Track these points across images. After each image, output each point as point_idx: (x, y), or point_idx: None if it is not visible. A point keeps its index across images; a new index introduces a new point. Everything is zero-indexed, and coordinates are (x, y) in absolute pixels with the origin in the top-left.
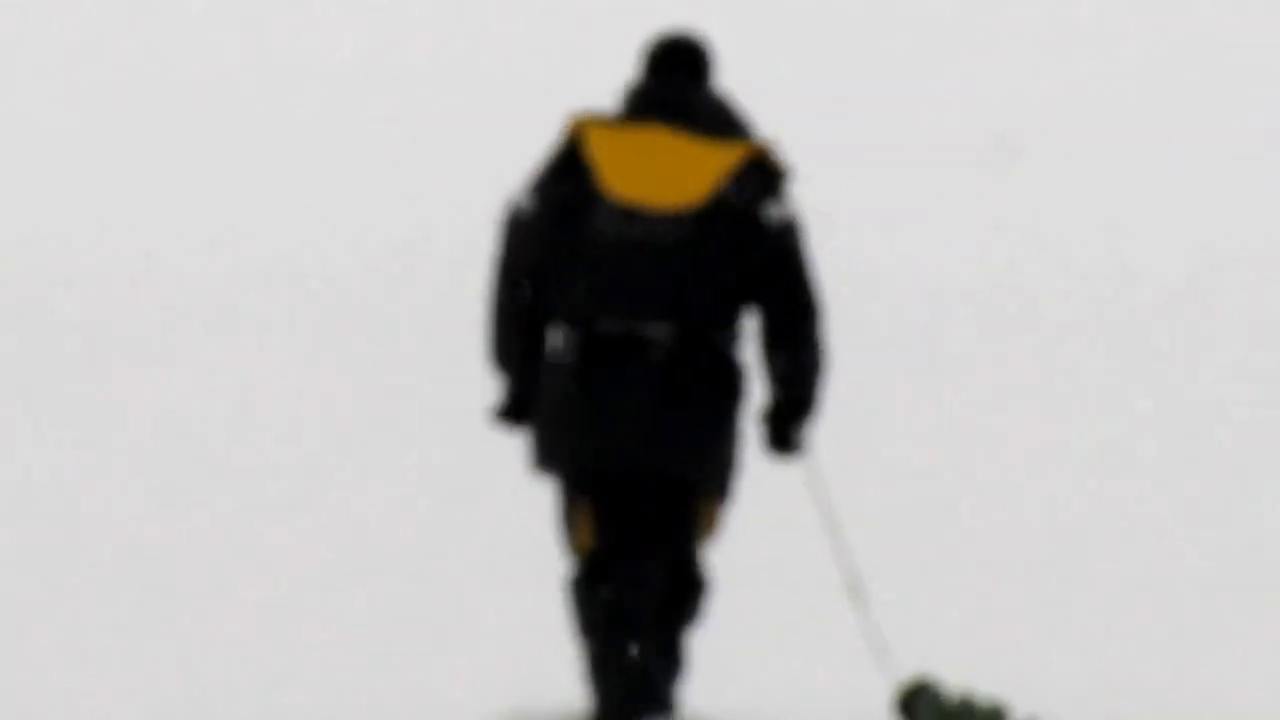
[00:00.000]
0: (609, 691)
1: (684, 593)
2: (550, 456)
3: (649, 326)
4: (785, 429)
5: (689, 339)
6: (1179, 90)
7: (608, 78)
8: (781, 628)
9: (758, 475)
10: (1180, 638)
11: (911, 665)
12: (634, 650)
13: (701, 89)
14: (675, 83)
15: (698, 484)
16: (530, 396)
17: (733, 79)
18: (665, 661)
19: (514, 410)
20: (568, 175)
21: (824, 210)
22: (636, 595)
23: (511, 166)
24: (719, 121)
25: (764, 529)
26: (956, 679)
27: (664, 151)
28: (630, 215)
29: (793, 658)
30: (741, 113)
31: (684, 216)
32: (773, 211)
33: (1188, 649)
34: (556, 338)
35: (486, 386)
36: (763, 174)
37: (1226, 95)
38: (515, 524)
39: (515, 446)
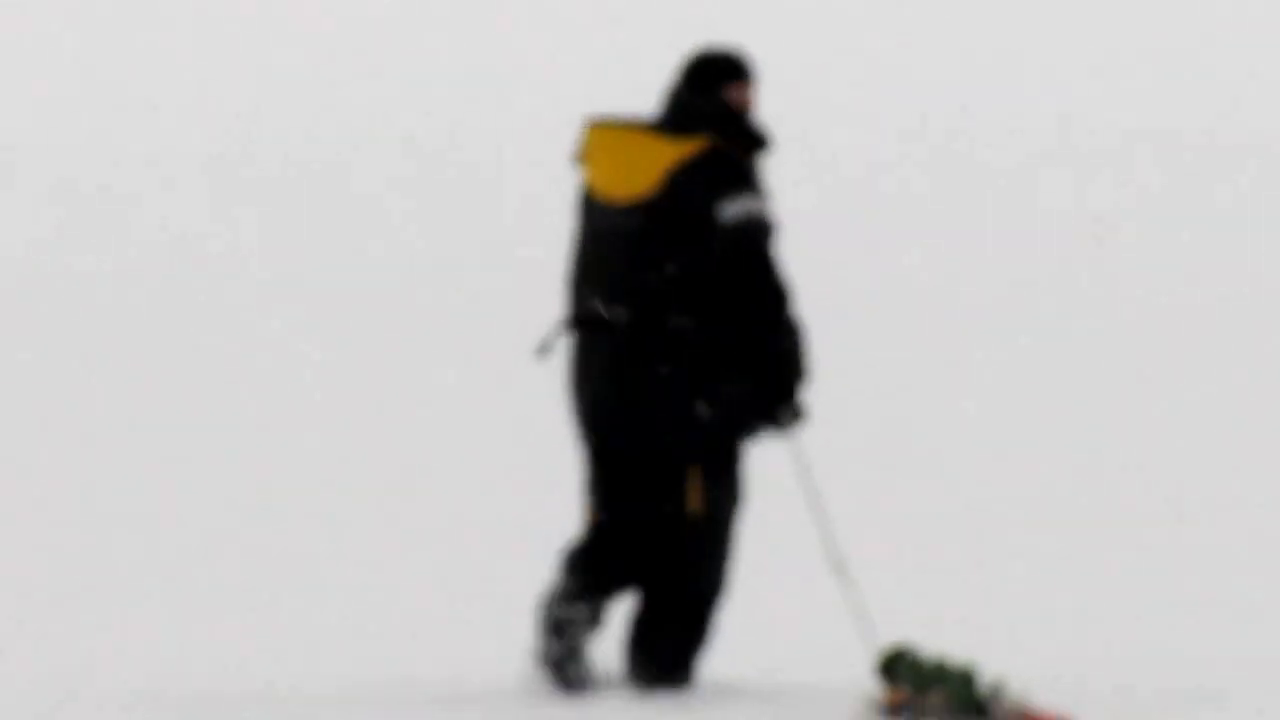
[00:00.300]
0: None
1: (693, 564)
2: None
3: (611, 310)
4: (769, 411)
5: (643, 321)
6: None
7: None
8: (770, 600)
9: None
10: (1146, 611)
11: (892, 634)
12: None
13: (702, 95)
14: (683, 89)
15: (671, 456)
16: None
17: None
18: (686, 632)
19: None
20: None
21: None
22: (613, 565)
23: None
24: (705, 122)
25: (753, 508)
26: (933, 646)
27: (627, 148)
28: (603, 208)
29: (781, 628)
30: (741, 119)
31: (637, 207)
32: (728, 207)
33: (1152, 622)
34: None
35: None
36: (718, 168)
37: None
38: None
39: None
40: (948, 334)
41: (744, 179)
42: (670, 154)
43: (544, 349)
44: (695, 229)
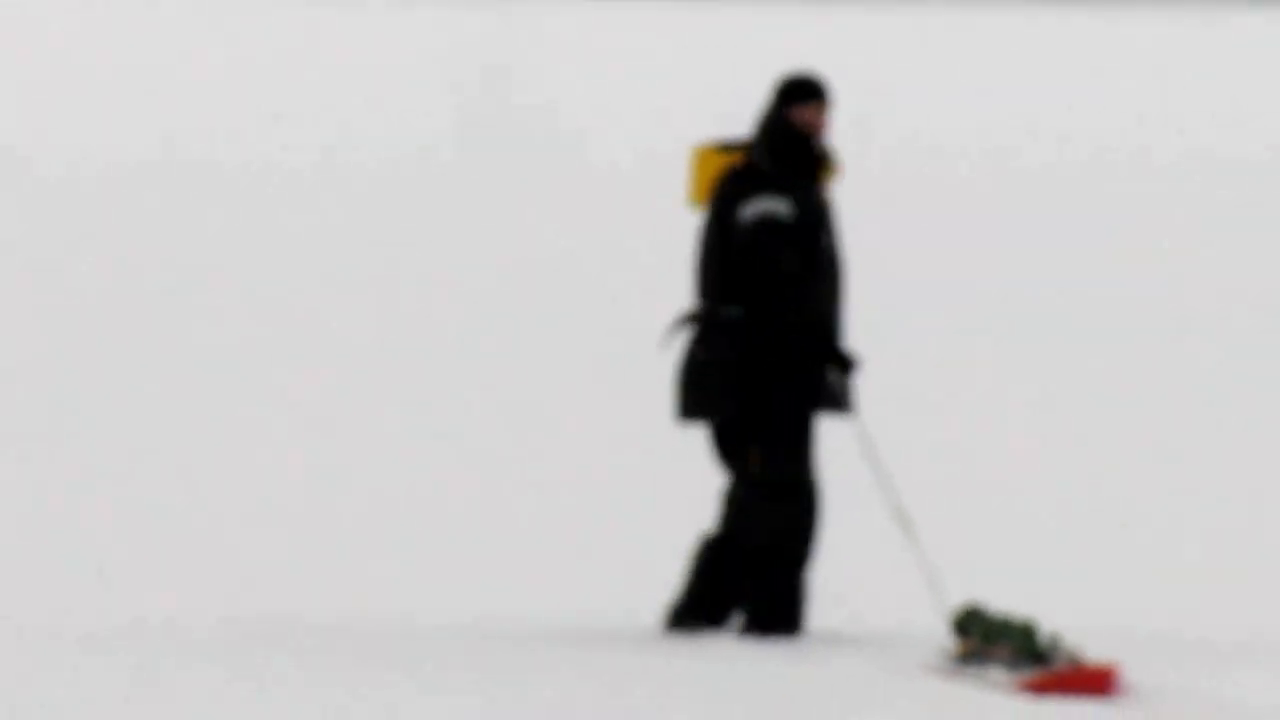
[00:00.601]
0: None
1: (758, 524)
2: None
3: (695, 305)
4: (820, 372)
5: (708, 314)
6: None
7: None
8: (853, 557)
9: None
10: (1194, 573)
11: (958, 589)
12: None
13: (773, 113)
14: (764, 108)
15: (734, 430)
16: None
17: None
18: (771, 586)
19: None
20: None
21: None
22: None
23: None
24: (766, 137)
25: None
26: (998, 604)
27: (702, 164)
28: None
29: (861, 582)
30: (789, 135)
31: (702, 215)
32: (746, 210)
33: (1200, 583)
34: None
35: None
36: (745, 177)
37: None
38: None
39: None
40: (1006, 325)
41: (764, 184)
42: (716, 166)
43: (664, 342)
44: (730, 230)
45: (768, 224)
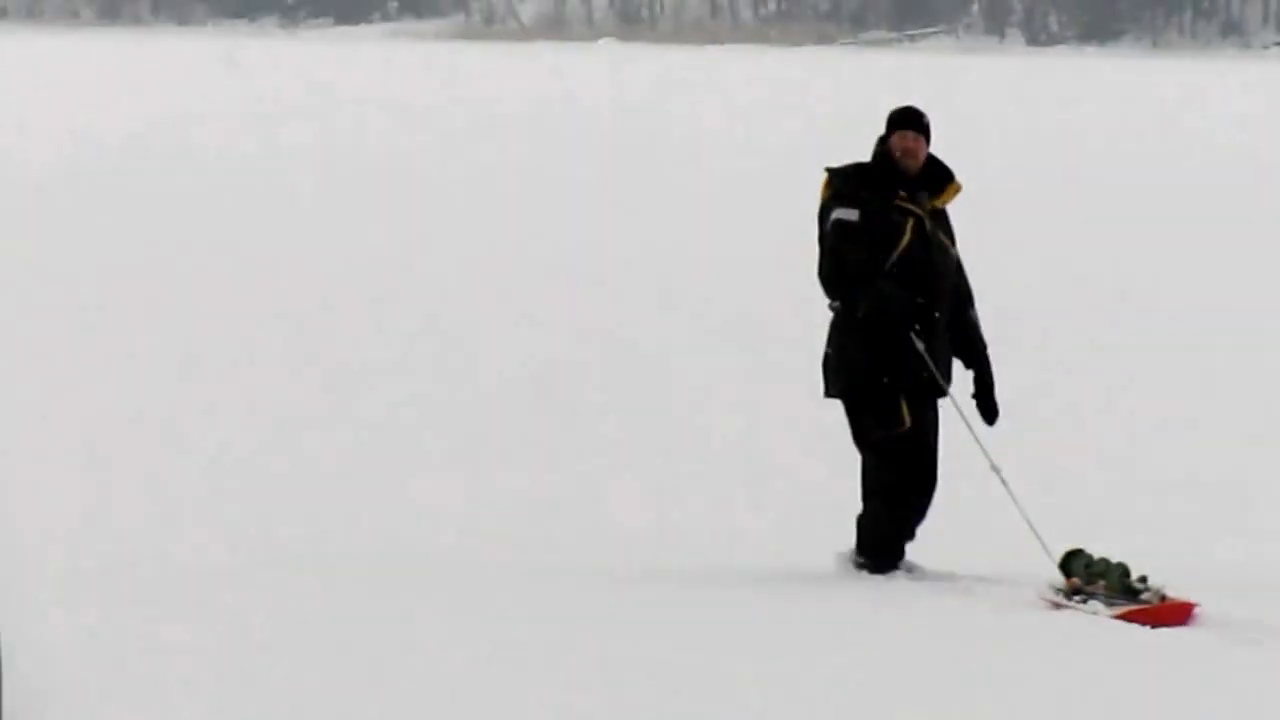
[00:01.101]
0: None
1: (873, 481)
2: None
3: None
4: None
5: (829, 308)
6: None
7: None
8: (967, 508)
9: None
10: (1260, 528)
11: (1054, 532)
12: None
13: (880, 138)
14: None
15: (853, 405)
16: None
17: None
18: (864, 524)
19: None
20: None
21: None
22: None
23: None
24: (874, 157)
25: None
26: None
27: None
28: None
29: (978, 536)
30: (884, 158)
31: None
32: (830, 213)
33: (1263, 536)
34: None
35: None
36: (833, 191)
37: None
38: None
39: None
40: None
41: (841, 197)
42: (825, 184)
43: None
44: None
45: (838, 227)
